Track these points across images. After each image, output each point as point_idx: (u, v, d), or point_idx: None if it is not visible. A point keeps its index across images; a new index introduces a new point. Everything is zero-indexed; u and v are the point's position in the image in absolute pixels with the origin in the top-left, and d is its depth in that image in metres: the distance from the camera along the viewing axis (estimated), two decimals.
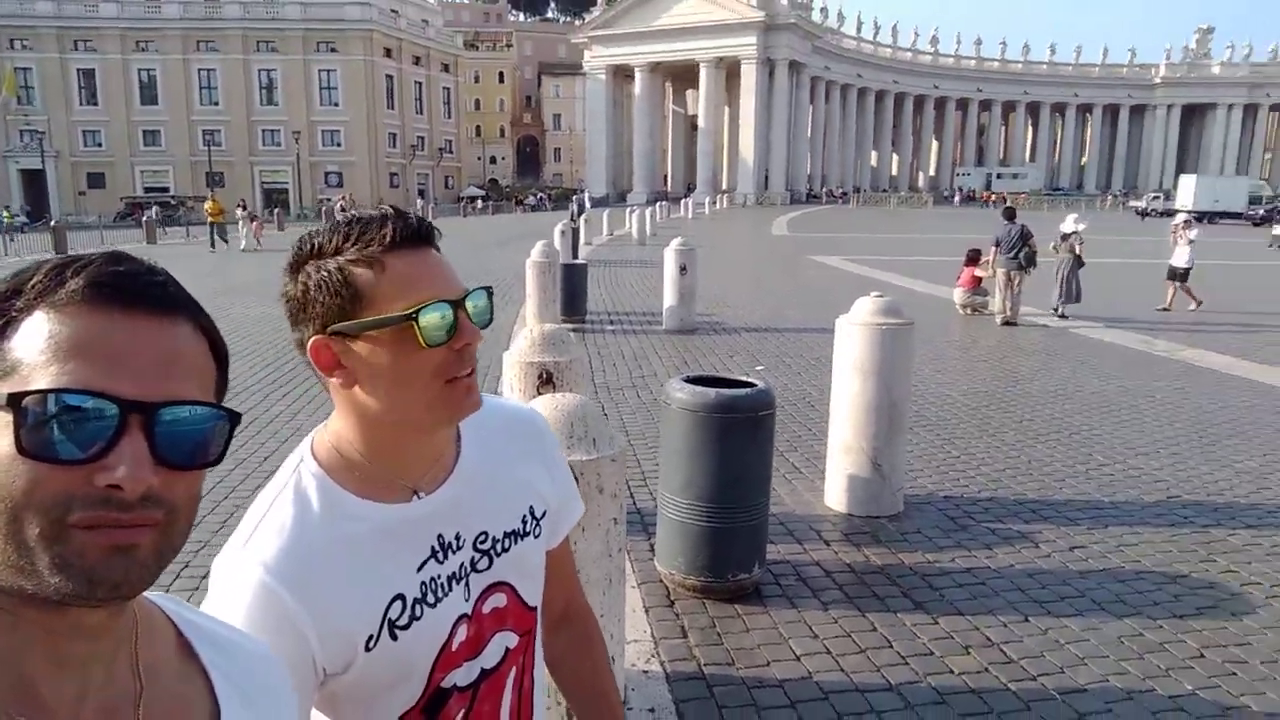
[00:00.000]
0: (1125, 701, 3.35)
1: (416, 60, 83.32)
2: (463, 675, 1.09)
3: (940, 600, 4.17)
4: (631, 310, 13.95)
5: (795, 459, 6.26)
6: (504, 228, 42.30)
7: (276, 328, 11.47)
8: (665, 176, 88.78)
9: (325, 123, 75.64)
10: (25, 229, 42.88)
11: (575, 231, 22.29)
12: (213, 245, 28.36)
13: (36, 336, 0.61)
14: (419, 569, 1.04)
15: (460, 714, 1.10)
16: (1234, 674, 3.53)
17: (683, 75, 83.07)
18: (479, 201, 76.02)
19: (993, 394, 8.47)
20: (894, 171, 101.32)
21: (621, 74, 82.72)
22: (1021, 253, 12.92)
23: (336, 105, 75.81)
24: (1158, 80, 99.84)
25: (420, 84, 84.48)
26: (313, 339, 0.98)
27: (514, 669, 1.16)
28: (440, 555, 1.07)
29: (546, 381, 4.59)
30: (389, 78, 79.16)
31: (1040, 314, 13.70)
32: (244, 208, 33.18)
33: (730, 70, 77.47)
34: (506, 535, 1.15)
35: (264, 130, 75.33)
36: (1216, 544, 4.85)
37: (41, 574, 0.59)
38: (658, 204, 48.22)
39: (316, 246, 0.99)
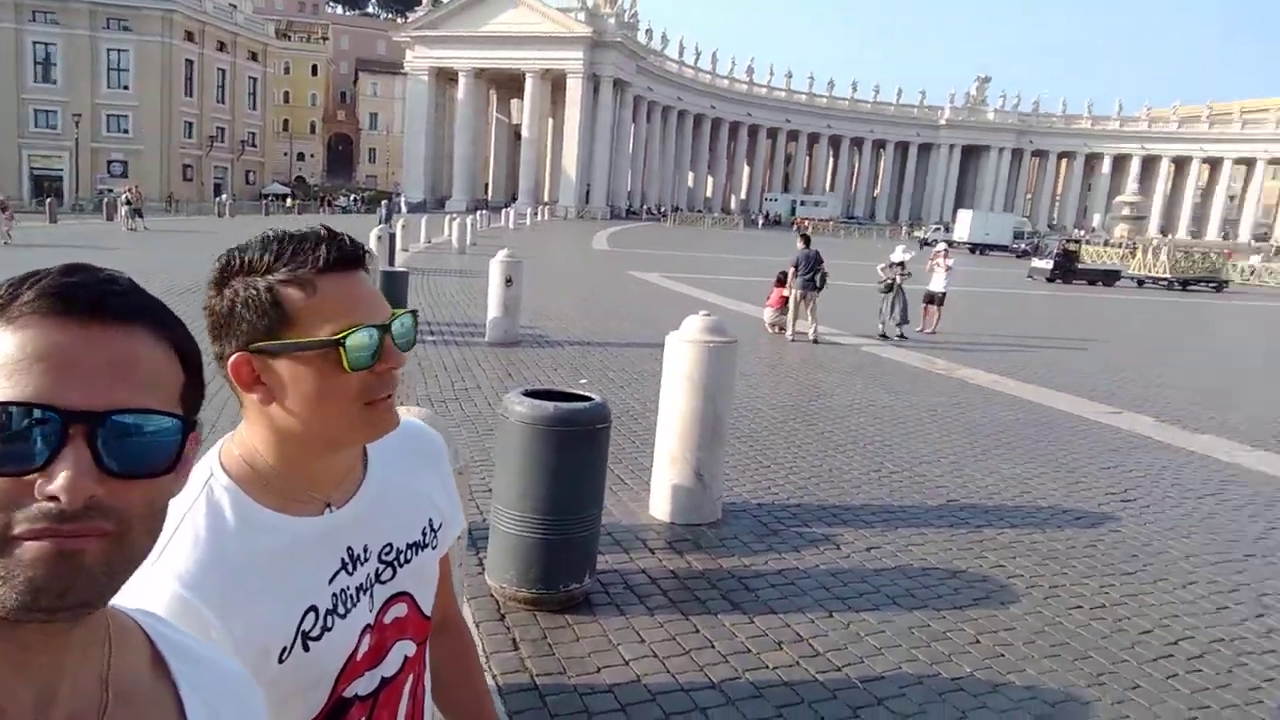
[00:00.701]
0: (916, 685, 3.76)
1: (221, 46, 77.79)
2: (364, 684, 1.13)
3: (755, 601, 4.49)
4: (452, 321, 13.77)
5: (620, 471, 6.47)
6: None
7: None
8: (486, 185, 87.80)
9: (111, 107, 69.00)
10: None
11: (392, 237, 21.68)
12: None
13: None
14: (330, 580, 1.08)
15: None
16: (1002, 655, 4.06)
17: (507, 84, 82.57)
18: (285, 200, 71.91)
19: (798, 408, 9.11)
20: (709, 193, 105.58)
21: (444, 77, 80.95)
22: (816, 275, 14.01)
23: (126, 88, 69.34)
24: (943, 122, 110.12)
25: (224, 71, 78.87)
26: (234, 355, 0.99)
27: (411, 676, 1.21)
28: (350, 567, 1.10)
29: None
30: (189, 63, 73.40)
31: (840, 333, 14.83)
32: None
33: (556, 83, 77.93)
34: (409, 546, 1.20)
35: (36, 110, 67.63)
36: (988, 542, 5.51)
37: None
38: (478, 212, 47.67)
39: (246, 263, 1.00)
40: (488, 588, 4.37)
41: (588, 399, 4.44)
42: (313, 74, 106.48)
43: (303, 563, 1.06)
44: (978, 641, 4.18)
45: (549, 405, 4.24)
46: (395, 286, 12.41)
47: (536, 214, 61.82)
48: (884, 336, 14.91)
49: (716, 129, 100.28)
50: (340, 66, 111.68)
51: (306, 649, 1.04)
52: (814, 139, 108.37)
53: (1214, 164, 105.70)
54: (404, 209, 57.88)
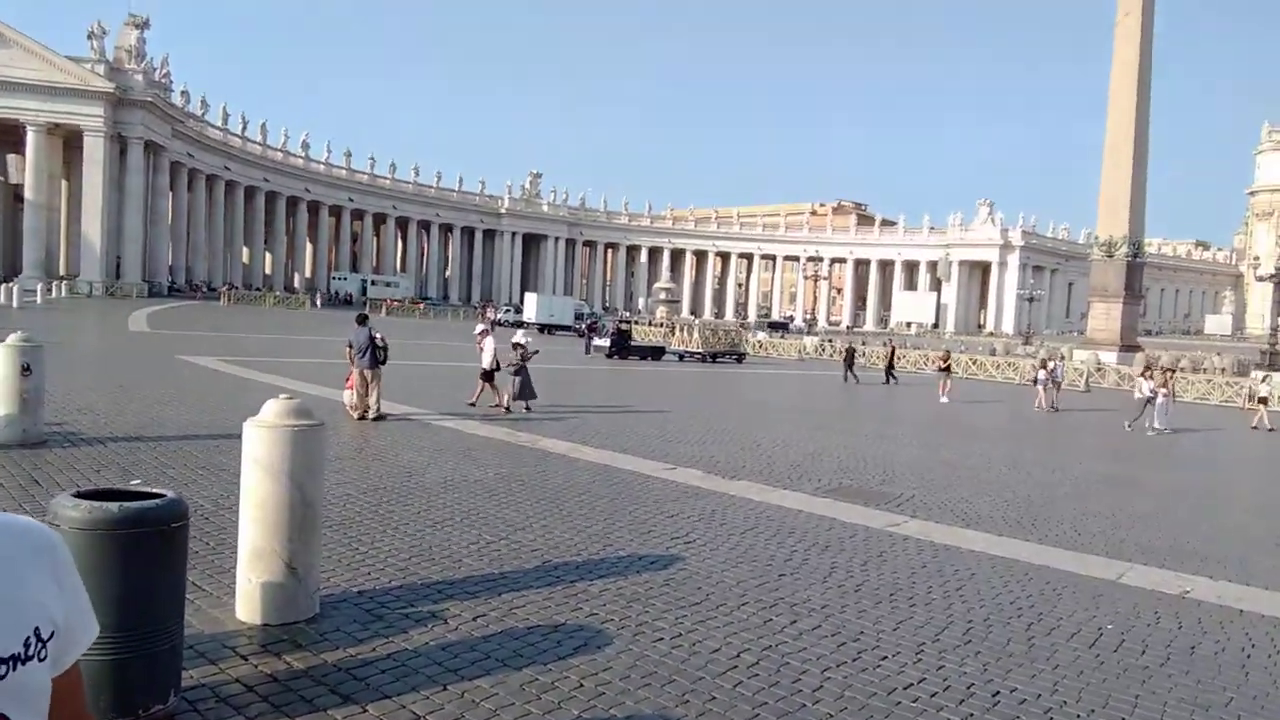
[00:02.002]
0: None
1: None
2: None
3: (366, 689, 4.34)
4: None
5: (195, 576, 5.78)
6: None
7: None
8: None
9: None
10: None
11: None
12: None
13: None
14: None
15: None
16: (603, 693, 4.44)
17: (1, 136, 69.42)
18: None
19: (391, 489, 8.97)
20: (268, 270, 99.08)
21: None
22: (374, 353, 14.18)
23: None
24: (503, 210, 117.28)
25: None
26: None
27: None
28: None
29: None
30: None
31: (425, 412, 14.91)
32: None
33: (69, 139, 67.44)
34: (7, 659, 1.08)
35: None
36: (581, 594, 5.97)
37: None
38: None
39: None
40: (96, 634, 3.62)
41: (158, 495, 4.00)
42: None
43: None
44: (581, 685, 4.52)
45: (113, 506, 3.75)
46: None
47: (50, 290, 52.44)
48: (526, 409, 16.12)
49: (272, 203, 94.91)
50: None
51: None
52: (380, 219, 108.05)
53: (724, 257, 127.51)
54: None
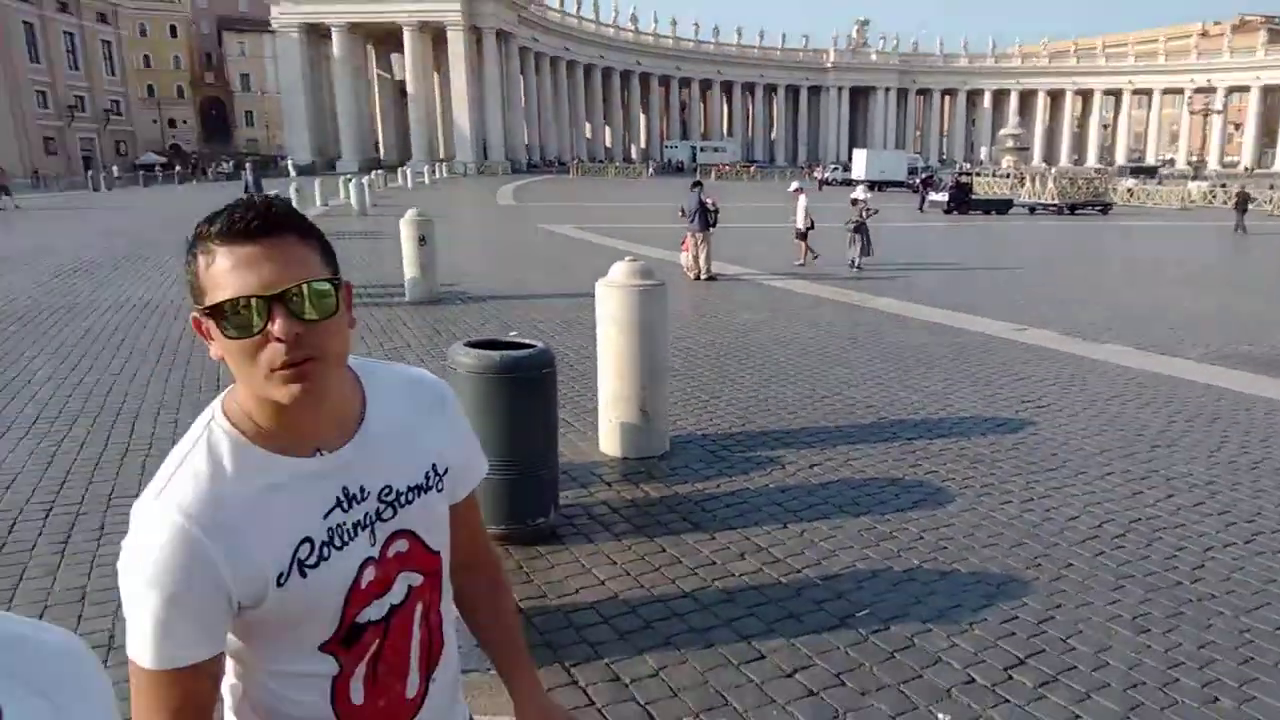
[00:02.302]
0: (870, 579, 4.03)
1: (63, 7, 71.88)
2: (374, 611, 1.23)
3: (713, 520, 4.69)
4: (369, 284, 13.41)
5: (565, 414, 6.52)
6: (198, 200, 38.34)
7: None
8: (377, 143, 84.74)
9: None
10: None
11: (288, 203, 20.79)
12: None
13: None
14: (325, 516, 1.16)
15: (375, 644, 1.25)
16: (945, 548, 4.37)
17: (385, 38, 79.23)
18: (170, 169, 67.82)
19: (726, 344, 9.34)
20: (609, 143, 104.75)
21: (317, 33, 76.84)
22: (708, 216, 14.50)
23: None
24: (829, 65, 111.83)
25: (72, 35, 73.15)
26: (192, 314, 1.09)
27: (420, 604, 1.30)
28: (345, 505, 1.19)
29: None
30: (28, 25, 67.67)
31: (757, 273, 15.16)
32: None
33: (436, 36, 75.26)
34: (410, 489, 1.27)
35: None
36: (920, 452, 5.85)
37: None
38: (373, 173, 46.10)
39: (195, 230, 1.08)
40: (485, 472, 4.42)
41: (530, 346, 4.51)
42: (172, 35, 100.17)
43: (296, 499, 1.14)
44: (921, 538, 4.48)
45: (494, 354, 4.29)
46: None
47: (434, 172, 60.20)
48: (854, 266, 15.99)
49: (608, 79, 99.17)
50: (201, 26, 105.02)
51: (304, 575, 1.14)
52: (706, 85, 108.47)
53: (1085, 96, 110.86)
54: (292, 172, 55.47)
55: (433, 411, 1.32)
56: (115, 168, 62.53)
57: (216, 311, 1.04)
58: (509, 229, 25.36)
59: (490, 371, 4.24)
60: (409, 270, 11.93)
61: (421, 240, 11.94)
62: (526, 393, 4.34)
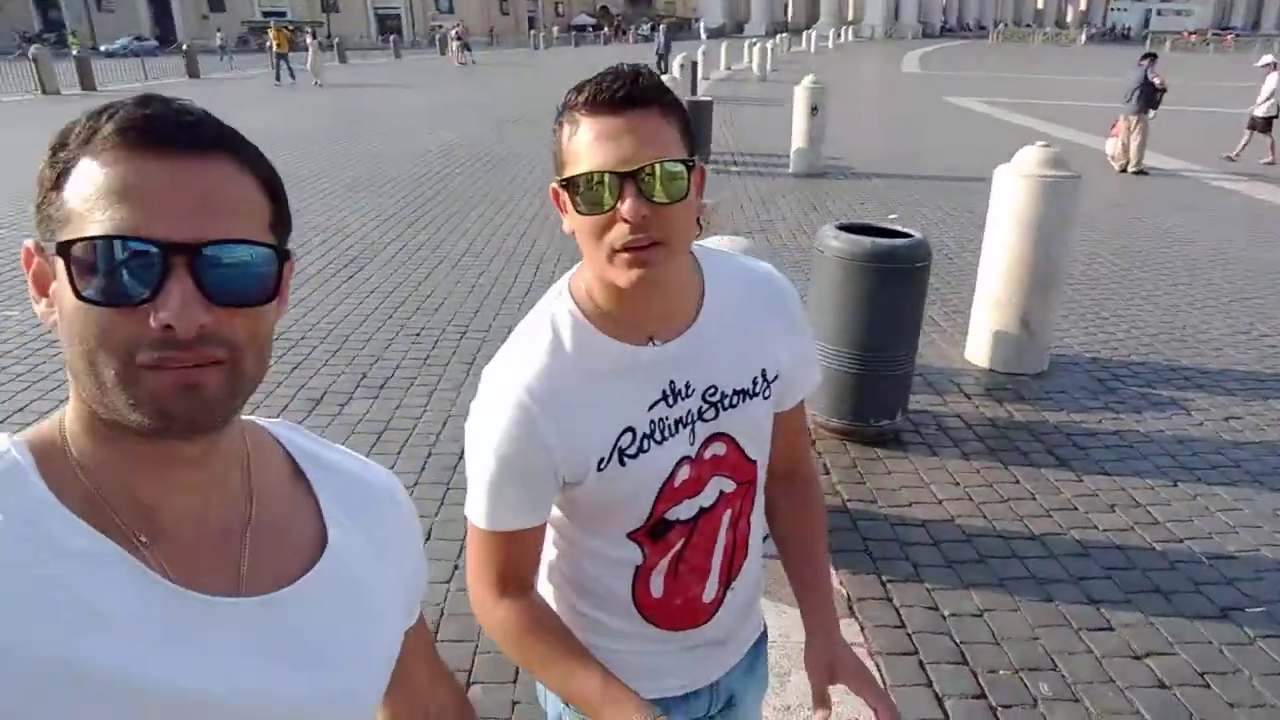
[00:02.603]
0: (1276, 572, 3.33)
1: None
2: (684, 510, 1.21)
3: (1085, 459, 4.16)
4: (755, 151, 13.53)
5: (934, 312, 6.15)
6: (617, 57, 41.03)
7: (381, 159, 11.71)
8: (786, 6, 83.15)
9: None
10: (156, 53, 44.01)
11: (694, 65, 21.41)
12: (278, 78, 26.58)
13: (82, 185, 0.62)
14: (650, 408, 1.15)
15: (680, 543, 1.23)
16: None
17: None
18: (598, 29, 73.22)
19: (1145, 254, 8.00)
20: (1039, 4, 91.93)
21: None
22: (1153, 96, 12.20)
23: None
24: None
25: None
26: (551, 185, 1.08)
27: (729, 510, 1.26)
28: (670, 399, 1.16)
29: (694, 222, 4.61)
30: None
31: (1205, 171, 12.63)
32: (314, 36, 32.52)
33: None
34: (735, 392, 1.22)
35: None
36: None
37: (122, 412, 0.62)
38: (778, 36, 45.50)
39: (564, 99, 1.05)
40: (818, 382, 4.43)
41: (906, 234, 4.19)
42: None
43: (625, 387, 1.13)
44: None
45: (866, 240, 4.06)
46: (700, 116, 12.34)
47: (839, 35, 57.87)
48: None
49: None
50: None
51: (623, 464, 1.14)
52: None
53: None
54: (703, 35, 56.77)
55: (773, 314, 1.26)
56: (555, 28, 68.87)
57: (571, 185, 1.03)
58: (909, 100, 23.73)
59: (859, 259, 4.05)
60: (796, 140, 11.75)
61: (813, 110, 11.62)
62: (895, 286, 4.09)
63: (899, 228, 4.30)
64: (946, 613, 3.01)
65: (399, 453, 4.07)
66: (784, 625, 2.70)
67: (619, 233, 1.02)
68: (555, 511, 1.24)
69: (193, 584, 0.67)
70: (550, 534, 1.28)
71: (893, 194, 10.40)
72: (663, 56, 25.32)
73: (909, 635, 2.89)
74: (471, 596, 1.20)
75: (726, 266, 1.25)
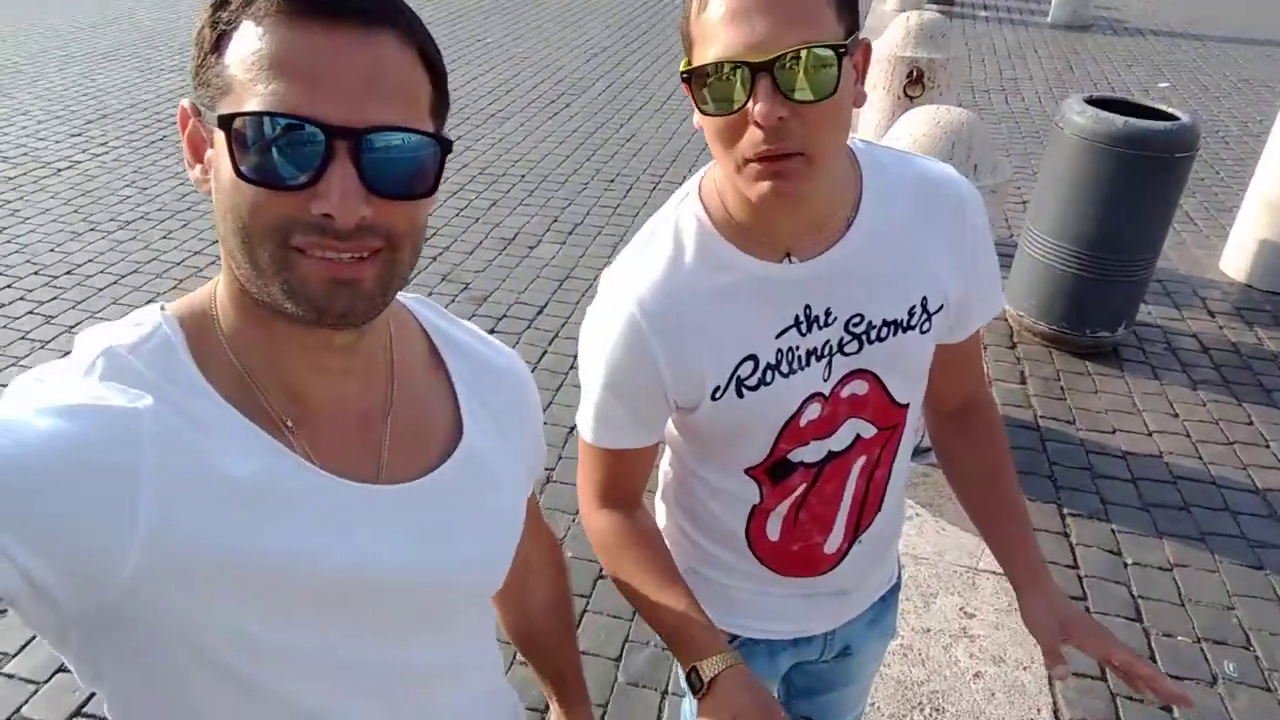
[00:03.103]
0: None
1: None
2: (810, 453, 1.07)
3: None
4: None
5: (1190, 206, 5.32)
6: None
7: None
8: None
9: None
10: None
11: None
12: None
13: (243, 51, 0.58)
14: (778, 335, 1.00)
15: (802, 487, 1.10)
16: None
17: None
18: None
19: None
20: None
21: None
22: None
23: None
24: None
25: None
26: (681, 71, 0.92)
27: (864, 457, 1.10)
28: (803, 327, 1.00)
29: (915, 81, 4.14)
30: None
31: None
32: None
33: None
34: (886, 324, 1.03)
35: None
36: None
37: (277, 299, 0.61)
38: None
39: None
40: (1003, 311, 4.05)
41: (1170, 117, 3.54)
42: None
43: (751, 309, 0.99)
44: None
45: (1117, 119, 3.47)
46: None
47: None
48: None
49: None
50: None
51: (740, 395, 1.01)
52: None
53: None
54: None
55: (945, 232, 1.04)
56: None
57: (697, 75, 0.85)
58: None
59: (1105, 140, 3.49)
60: None
61: None
62: (1145, 179, 3.50)
63: (1163, 106, 3.64)
64: (1129, 560, 2.72)
65: (577, 303, 4.12)
66: (941, 544, 2.54)
67: (751, 139, 0.84)
68: (672, 430, 1.15)
69: (338, 470, 0.69)
70: (667, 452, 1.20)
71: (1171, 56, 8.88)
72: None
73: (1080, 578, 2.64)
74: (579, 496, 1.16)
75: (895, 167, 1.04)
